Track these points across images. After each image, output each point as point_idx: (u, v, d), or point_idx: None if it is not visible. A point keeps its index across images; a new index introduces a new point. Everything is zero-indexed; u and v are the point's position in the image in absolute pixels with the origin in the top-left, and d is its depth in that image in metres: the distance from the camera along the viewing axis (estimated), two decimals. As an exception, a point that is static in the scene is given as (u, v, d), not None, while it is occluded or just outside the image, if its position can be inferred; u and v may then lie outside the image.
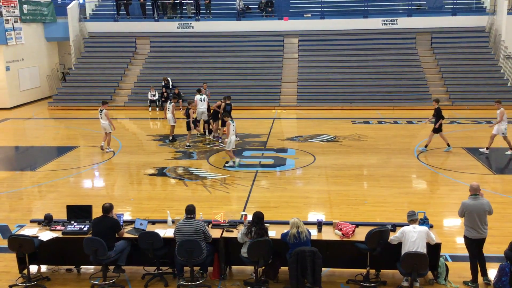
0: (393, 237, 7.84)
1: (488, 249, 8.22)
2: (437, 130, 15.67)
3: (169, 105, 17.65)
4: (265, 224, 7.99)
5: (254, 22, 28.16)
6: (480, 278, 8.00)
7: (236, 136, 15.28)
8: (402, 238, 7.63)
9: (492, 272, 8.12)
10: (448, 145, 15.83)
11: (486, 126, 19.66)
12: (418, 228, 7.63)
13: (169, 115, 17.58)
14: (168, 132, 18.15)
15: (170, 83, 24.84)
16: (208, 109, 18.14)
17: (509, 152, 15.58)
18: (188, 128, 16.88)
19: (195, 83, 25.44)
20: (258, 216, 7.80)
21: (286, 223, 8.50)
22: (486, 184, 12.64)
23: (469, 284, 8.00)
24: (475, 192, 7.87)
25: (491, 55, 25.85)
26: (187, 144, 16.89)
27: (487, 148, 15.68)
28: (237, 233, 8.21)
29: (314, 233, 8.09)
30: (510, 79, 24.75)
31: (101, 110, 16.28)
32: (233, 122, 14.48)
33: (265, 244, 7.62)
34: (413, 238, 7.51)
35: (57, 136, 20.20)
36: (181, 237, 7.76)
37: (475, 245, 7.93)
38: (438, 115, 15.63)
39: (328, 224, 8.44)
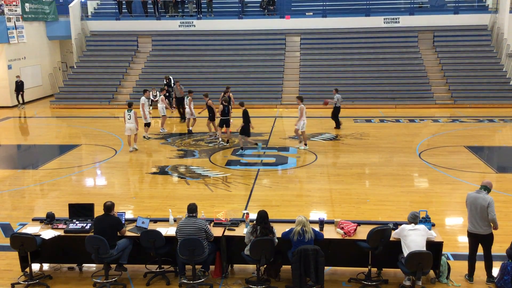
0: (393, 233, 7.90)
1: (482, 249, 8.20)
2: (244, 132, 15.61)
3: (186, 99, 18.35)
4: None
5: (256, 20, 28.16)
6: (484, 276, 8.05)
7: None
8: (402, 236, 7.66)
9: (494, 270, 8.11)
10: (242, 148, 15.88)
11: (489, 124, 19.68)
12: (417, 226, 7.66)
13: (186, 109, 18.23)
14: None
15: (172, 81, 24.81)
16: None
17: (302, 147, 16.24)
18: (220, 125, 17.25)
19: (197, 81, 25.52)
20: (261, 215, 7.79)
21: (288, 221, 8.54)
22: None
23: (466, 277, 8.14)
24: (483, 185, 7.90)
25: (493, 53, 25.79)
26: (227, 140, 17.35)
27: (305, 144, 16.28)
28: (239, 231, 8.23)
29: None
30: (512, 77, 24.72)
31: (154, 96, 18.32)
32: None
33: (267, 242, 7.62)
34: (412, 235, 7.53)
35: (59, 134, 20.23)
36: (183, 236, 7.77)
37: (474, 240, 7.97)
38: (245, 118, 15.46)
39: (330, 222, 8.44)
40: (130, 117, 15.92)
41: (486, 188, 7.88)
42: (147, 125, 17.81)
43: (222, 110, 16.86)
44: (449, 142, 16.82)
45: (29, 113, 24.11)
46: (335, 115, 19.17)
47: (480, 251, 8.05)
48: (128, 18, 29.10)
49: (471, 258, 8.06)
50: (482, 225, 7.82)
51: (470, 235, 8.01)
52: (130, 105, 16.29)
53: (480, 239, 7.92)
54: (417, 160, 14.87)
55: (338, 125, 19.19)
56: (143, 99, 17.81)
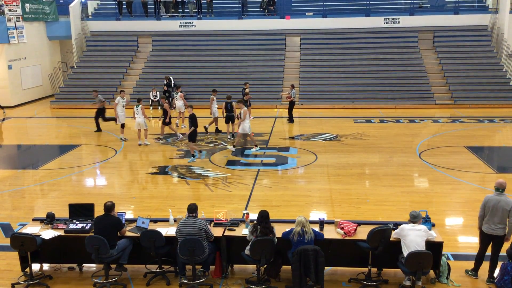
0: (393, 233, 7.90)
1: (491, 248, 8.20)
2: (191, 137, 15.01)
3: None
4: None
5: (256, 20, 28.16)
6: (484, 275, 8.05)
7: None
8: (401, 236, 7.66)
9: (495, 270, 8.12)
10: (193, 155, 15.30)
11: (489, 125, 19.69)
12: (417, 226, 7.66)
13: (213, 108, 18.56)
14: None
15: (172, 81, 24.84)
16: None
17: (254, 149, 16.18)
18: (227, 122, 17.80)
19: (197, 81, 25.54)
20: (262, 215, 7.80)
21: (288, 221, 8.54)
22: (488, 183, 12.63)
23: (469, 272, 8.15)
24: (499, 187, 7.85)
25: (493, 53, 25.79)
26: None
27: (234, 146, 16.37)
28: (239, 231, 8.24)
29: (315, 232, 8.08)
30: (512, 77, 24.72)
31: (177, 93, 19.75)
32: None
33: (267, 242, 7.62)
34: (411, 235, 7.54)
35: (59, 134, 20.23)
36: (183, 236, 7.77)
37: (487, 240, 7.96)
38: (192, 122, 14.85)
39: (330, 223, 8.44)
40: (138, 112, 16.65)
41: (504, 189, 7.86)
42: (122, 126, 17.95)
43: (225, 106, 17.39)
44: (449, 142, 16.82)
45: (29, 113, 24.06)
46: (289, 109, 20.46)
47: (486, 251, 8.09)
48: (128, 18, 29.10)
49: (481, 253, 8.06)
50: (500, 227, 7.81)
51: (485, 235, 7.97)
52: (138, 101, 17.01)
53: (494, 239, 7.93)
54: (417, 160, 14.87)
55: (291, 120, 20.48)
56: (118, 99, 18.00)
